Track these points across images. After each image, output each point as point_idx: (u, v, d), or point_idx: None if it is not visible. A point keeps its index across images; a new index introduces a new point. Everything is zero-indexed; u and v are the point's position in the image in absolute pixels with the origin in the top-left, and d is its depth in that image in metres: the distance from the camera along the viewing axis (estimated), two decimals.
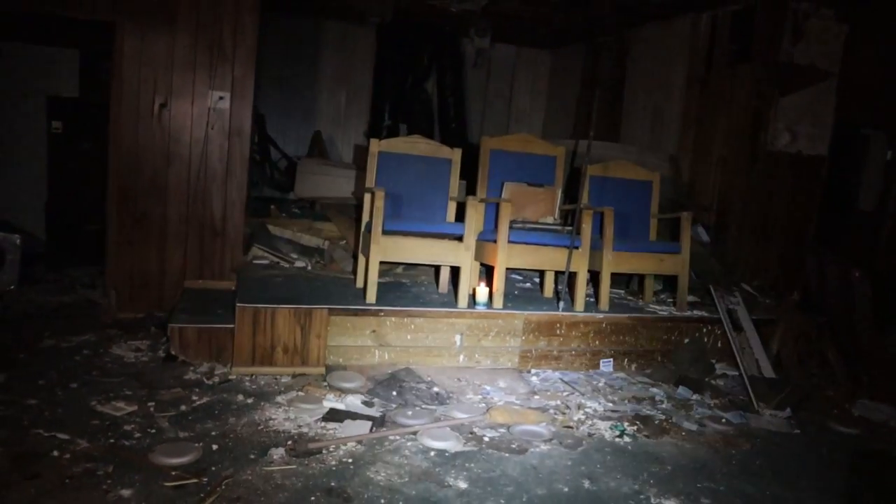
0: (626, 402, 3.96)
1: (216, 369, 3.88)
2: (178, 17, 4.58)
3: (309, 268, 5.05)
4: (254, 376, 3.81)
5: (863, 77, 6.10)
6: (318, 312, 3.90)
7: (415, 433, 3.23)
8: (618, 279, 5.24)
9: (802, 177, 6.10)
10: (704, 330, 4.71)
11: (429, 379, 3.93)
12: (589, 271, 4.52)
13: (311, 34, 8.77)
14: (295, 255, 5.18)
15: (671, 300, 5.12)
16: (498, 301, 4.21)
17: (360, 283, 4.41)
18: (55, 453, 2.78)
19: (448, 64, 8.96)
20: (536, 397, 3.89)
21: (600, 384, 4.21)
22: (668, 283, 5.19)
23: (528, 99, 9.85)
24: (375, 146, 4.45)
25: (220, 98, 4.70)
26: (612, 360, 4.48)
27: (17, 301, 5.10)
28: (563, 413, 3.70)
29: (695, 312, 4.77)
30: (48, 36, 6.30)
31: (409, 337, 4.05)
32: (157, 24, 4.56)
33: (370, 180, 4.41)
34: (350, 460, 2.92)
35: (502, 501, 2.68)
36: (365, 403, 3.56)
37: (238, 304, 3.82)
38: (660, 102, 7.14)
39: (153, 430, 3.08)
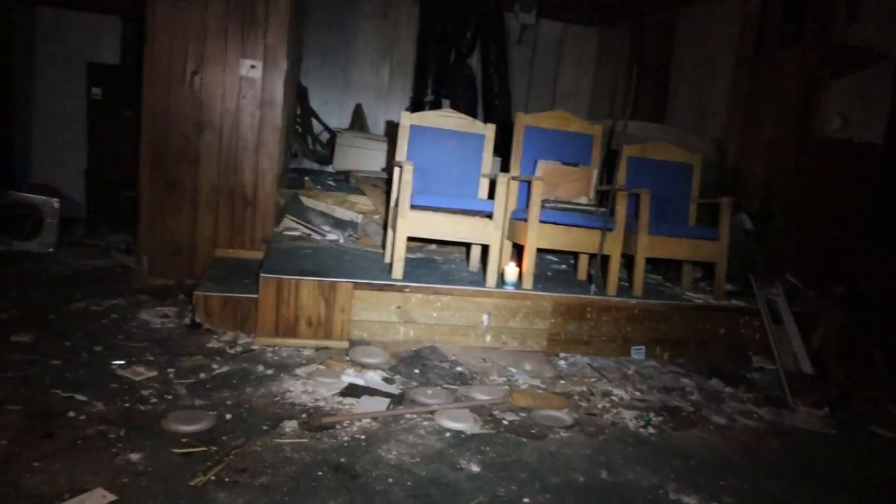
0: (655, 391, 3.83)
1: (239, 339, 3.87)
2: None
3: (341, 241, 5.00)
4: (276, 347, 3.79)
5: None
6: (343, 286, 3.85)
7: (432, 413, 3.16)
8: (657, 265, 5.11)
9: (853, 165, 5.83)
10: (742, 321, 4.53)
11: (453, 358, 3.86)
12: (624, 255, 4.39)
13: (354, 5, 8.69)
14: (327, 228, 5.14)
15: (709, 288, 4.96)
16: (527, 282, 4.11)
17: (388, 259, 4.35)
18: (71, 414, 2.79)
19: (492, 39, 8.78)
20: (562, 382, 3.79)
21: (630, 371, 4.09)
22: (709, 270, 5.02)
23: (573, 77, 9.63)
24: (407, 119, 4.36)
25: (252, 67, 4.66)
26: (643, 347, 4.35)
27: (55, 263, 5.19)
28: (588, 400, 3.59)
29: (733, 302, 4.60)
30: (92, 3, 6.34)
31: (434, 315, 3.98)
32: None
33: (400, 153, 4.33)
34: (363, 437, 2.87)
35: (514, 488, 2.60)
36: (385, 380, 3.50)
37: (262, 275, 3.79)
38: (706, 84, 6.89)
39: (170, 397, 3.07)
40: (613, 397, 3.67)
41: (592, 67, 9.59)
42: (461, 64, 8.82)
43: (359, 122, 8.22)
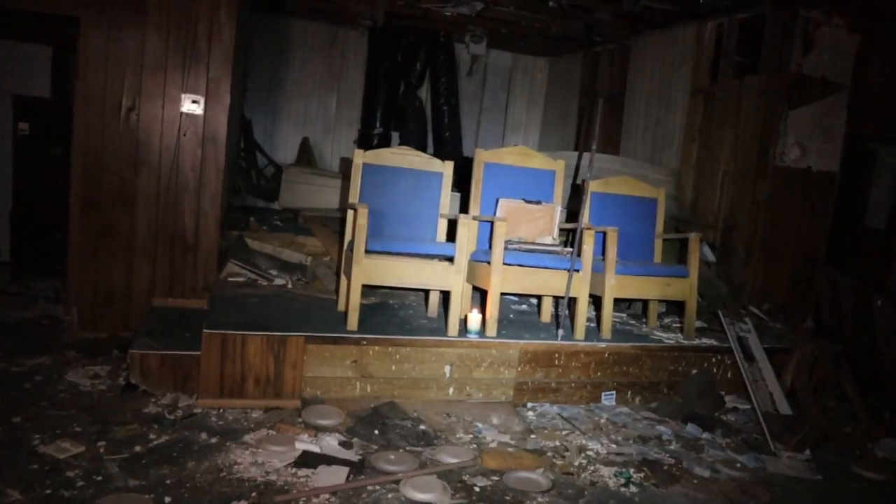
0: (632, 442, 3.61)
1: (180, 401, 3.51)
2: (149, 14, 4.24)
3: (289, 286, 4.69)
4: (221, 410, 3.44)
5: (874, 90, 5.81)
6: (294, 340, 3.54)
7: (397, 482, 2.87)
8: (619, 301, 4.92)
9: (813, 194, 5.80)
10: (714, 360, 4.37)
11: (415, 415, 3.57)
12: (590, 295, 4.18)
13: (301, 36, 8.44)
14: (274, 272, 4.82)
15: (677, 325, 4.80)
16: (491, 329, 3.86)
17: (341, 307, 4.06)
18: None
19: (442, 70, 8.63)
20: (533, 436, 3.54)
21: (602, 420, 3.86)
22: (673, 304, 4.86)
23: (524, 108, 9.54)
24: (360, 157, 4.10)
25: (194, 102, 4.35)
26: (614, 392, 4.13)
27: None
28: (563, 456, 3.35)
29: (703, 341, 4.44)
30: (20, 31, 5.93)
31: (393, 368, 3.70)
32: (125, 21, 4.22)
33: (353, 195, 4.06)
34: None
35: None
36: (343, 444, 3.19)
37: (205, 331, 3.46)
38: (661, 115, 6.83)
39: (99, 478, 2.71)
40: (589, 451, 3.43)
41: (542, 98, 9.52)
42: (411, 96, 8.64)
43: (305, 156, 7.94)
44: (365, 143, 8.31)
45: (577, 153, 5.65)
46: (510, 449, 3.36)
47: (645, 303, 4.86)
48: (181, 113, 4.34)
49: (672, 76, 6.69)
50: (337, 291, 4.32)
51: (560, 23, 7.32)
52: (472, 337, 3.82)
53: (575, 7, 6.69)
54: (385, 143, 8.30)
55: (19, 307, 5.00)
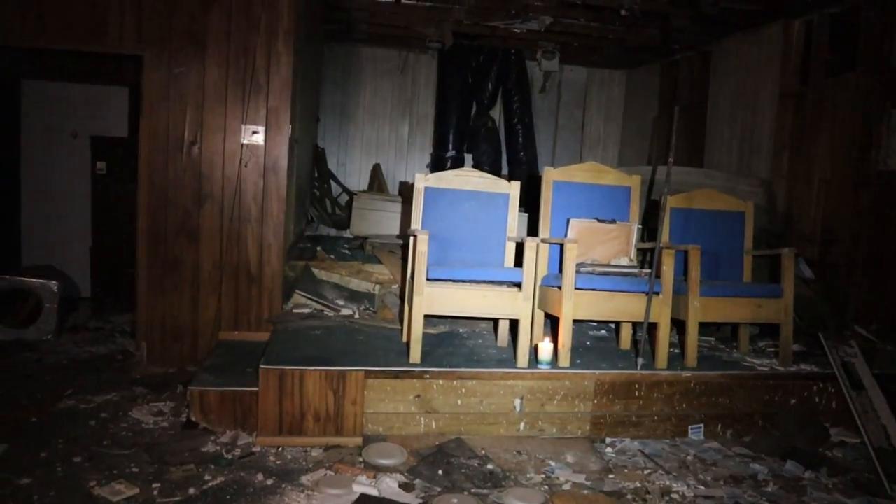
0: (722, 483, 3.25)
1: (239, 439, 3.40)
2: (208, 49, 4.23)
3: (356, 316, 4.56)
4: (280, 448, 3.31)
5: None
6: (354, 375, 3.38)
7: None
8: (706, 325, 4.55)
9: None
10: (815, 388, 3.95)
11: (482, 453, 3.34)
12: (673, 320, 3.86)
13: (371, 63, 8.44)
14: (341, 303, 4.71)
15: (772, 349, 4.39)
16: (564, 359, 3.59)
17: (406, 338, 3.89)
18: None
19: (515, 89, 8.43)
20: (611, 476, 3.24)
21: (689, 457, 3.52)
22: (768, 326, 4.44)
23: (601, 124, 9.21)
24: (421, 181, 3.93)
25: (254, 132, 4.31)
26: (702, 425, 3.78)
27: (52, 352, 4.81)
28: (644, 500, 3.04)
29: (802, 367, 4.02)
30: (97, 74, 6.12)
31: (459, 402, 3.48)
32: (185, 57, 4.23)
33: (415, 220, 3.89)
34: None
35: None
36: (403, 486, 2.99)
37: (261, 367, 3.34)
38: (748, 122, 6.40)
39: None
40: (674, 494, 3.11)
41: (620, 112, 9.17)
42: (483, 116, 8.47)
43: (377, 182, 7.87)
44: (438, 166, 8.18)
45: (652, 167, 5.31)
46: (585, 491, 3.07)
47: (735, 326, 4.48)
48: (242, 144, 4.30)
49: (758, 80, 6.27)
50: (402, 321, 4.15)
51: (634, 32, 7.01)
52: (544, 368, 3.57)
53: (649, 15, 6.39)
54: (458, 165, 8.15)
55: (96, 342, 5.07)
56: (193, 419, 3.50)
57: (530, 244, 3.57)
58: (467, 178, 4.05)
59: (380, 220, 6.44)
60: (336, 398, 3.37)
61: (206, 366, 3.89)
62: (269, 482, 2.99)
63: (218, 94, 4.26)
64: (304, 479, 3.03)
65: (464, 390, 3.47)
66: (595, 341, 4.38)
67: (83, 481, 2.92)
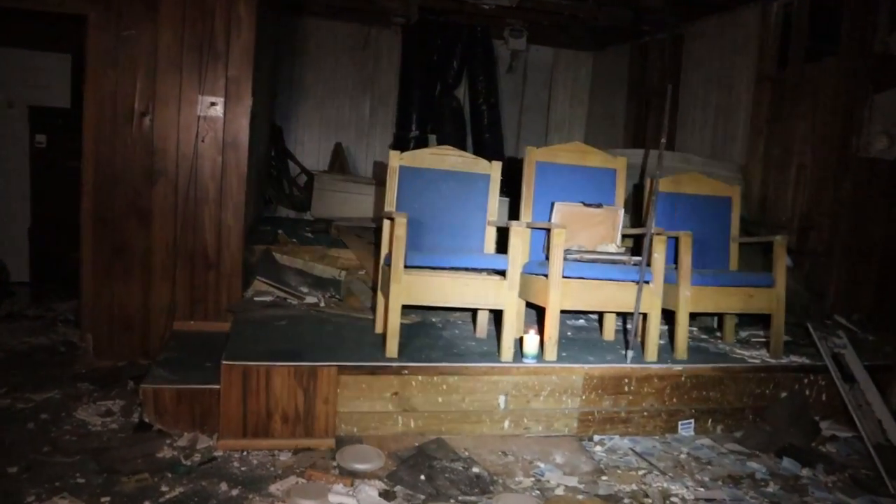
0: (721, 483, 3.07)
1: (199, 442, 3.08)
2: (161, 9, 3.84)
3: (321, 304, 4.25)
4: (245, 453, 3.00)
5: None
6: (326, 371, 3.08)
7: None
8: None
9: None
10: (806, 380, 3.81)
11: (466, 454, 3.09)
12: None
13: (331, 38, 8.05)
14: (305, 290, 4.39)
15: (758, 339, 4.24)
16: (551, 352, 3.36)
17: (379, 328, 3.60)
18: None
19: (480, 68, 8.14)
20: (605, 478, 3.03)
21: (682, 455, 3.33)
22: (749, 315, 4.28)
23: (567, 106, 9.00)
24: (396, 160, 3.64)
25: (212, 104, 3.94)
26: (692, 421, 3.60)
27: None
28: None
29: (793, 359, 3.87)
30: (36, 39, 5.62)
31: (440, 399, 3.22)
32: (135, 18, 3.83)
33: (389, 202, 3.60)
34: None
35: None
36: (384, 495, 2.72)
37: (223, 362, 3.02)
38: (723, 106, 6.25)
39: None
40: (674, 498, 2.91)
41: (587, 94, 8.97)
42: (448, 96, 8.17)
43: (338, 162, 7.52)
44: (401, 147, 7.79)
45: (635, 151, 5.11)
46: (580, 496, 2.85)
47: (719, 315, 4.32)
48: (199, 117, 3.94)
49: (733, 64, 6.12)
50: (373, 309, 3.86)
51: (606, 12, 6.80)
52: (529, 362, 3.33)
53: None
54: (422, 146, 7.82)
55: (36, 332, 4.66)
56: (147, 420, 3.16)
57: (517, 229, 3.32)
58: (444, 157, 3.77)
59: (342, 202, 6.13)
60: (306, 396, 3.07)
61: (159, 360, 3.54)
62: (235, 492, 2.69)
63: (172, 60, 3.88)
64: (273, 487, 2.74)
65: (445, 387, 3.21)
66: (576, 331, 4.16)
67: (20, 496, 2.57)
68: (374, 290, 3.94)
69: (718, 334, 4.34)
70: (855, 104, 4.98)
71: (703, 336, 4.33)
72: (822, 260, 5.14)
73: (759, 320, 4.48)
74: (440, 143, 7.92)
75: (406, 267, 3.22)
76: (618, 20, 6.97)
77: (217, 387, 3.08)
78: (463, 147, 8.06)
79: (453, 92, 8.24)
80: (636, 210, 4.63)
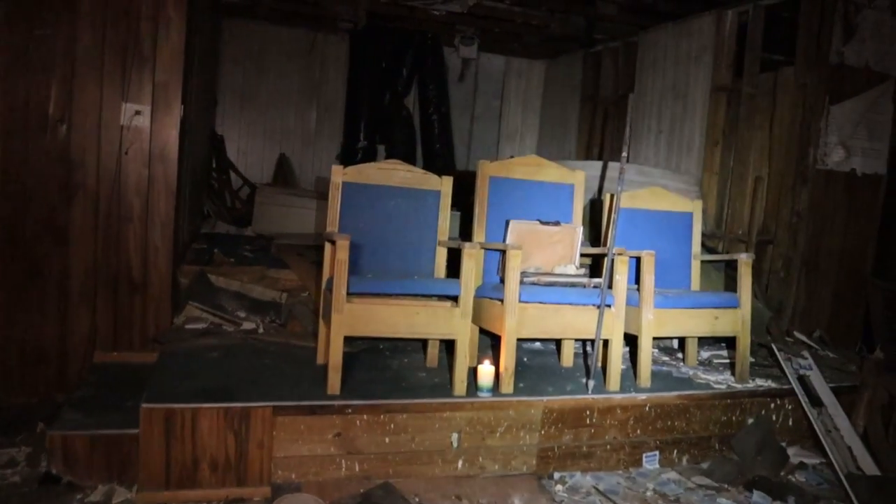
0: None
1: (115, 496, 2.74)
2: (80, 8, 3.47)
3: (260, 330, 3.94)
4: None
5: None
6: (260, 412, 2.77)
7: None
8: None
9: (859, 200, 5.11)
10: (772, 405, 3.64)
11: (416, 500, 2.81)
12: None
13: (276, 44, 7.71)
14: (243, 314, 4.07)
15: (720, 361, 4.07)
16: (507, 384, 3.11)
17: (321, 359, 3.31)
18: None
19: (431, 76, 7.92)
20: None
21: (649, 493, 3.11)
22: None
23: (519, 115, 8.83)
24: (339, 175, 3.34)
25: (137, 112, 3.59)
26: (657, 453, 3.39)
27: None
28: None
29: (759, 383, 3.70)
30: None
31: (387, 440, 2.93)
32: (50, 15, 3.45)
33: (332, 221, 3.30)
34: None
35: None
36: None
37: (143, 405, 2.69)
38: (678, 116, 6.13)
39: None
40: None
41: (539, 103, 8.81)
42: (397, 105, 7.92)
43: (283, 174, 7.18)
44: (348, 157, 7.58)
45: (592, 163, 4.92)
46: None
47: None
48: (122, 126, 3.58)
49: (688, 74, 6.00)
50: (316, 337, 3.55)
51: (559, 19, 6.64)
52: (484, 395, 3.07)
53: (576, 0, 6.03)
54: (370, 157, 7.58)
55: None
56: (54, 472, 2.80)
57: (469, 251, 3.06)
58: (392, 172, 3.49)
59: (286, 217, 5.80)
60: (238, 441, 2.76)
61: (73, 399, 3.18)
62: None
63: (92, 64, 3.52)
64: None
65: (392, 426, 2.93)
66: (532, 357, 3.92)
67: None
68: (318, 315, 3.64)
69: (680, 355, 4.16)
70: (812, 115, 4.87)
71: (665, 358, 4.14)
72: (780, 275, 5.02)
73: (721, 338, 4.33)
74: (389, 154, 7.69)
75: (350, 295, 2.93)
76: (571, 28, 6.82)
77: (137, 431, 2.74)
78: (413, 157, 7.83)
79: (403, 100, 8.00)
80: (592, 225, 4.43)
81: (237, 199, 6.94)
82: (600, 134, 7.34)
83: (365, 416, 2.89)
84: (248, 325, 3.95)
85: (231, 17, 7.21)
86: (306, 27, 7.54)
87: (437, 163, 7.79)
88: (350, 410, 2.87)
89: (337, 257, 2.88)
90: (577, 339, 3.83)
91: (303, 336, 3.86)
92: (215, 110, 7.35)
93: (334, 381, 2.92)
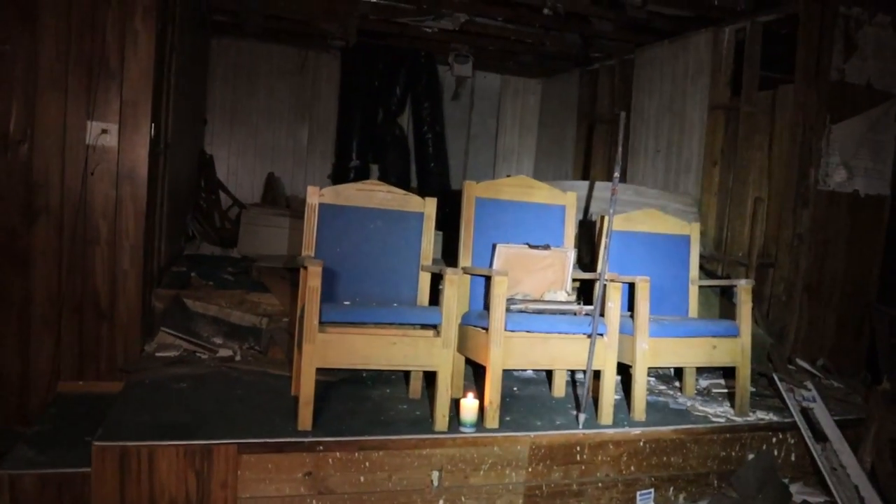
0: None
1: None
2: (41, 20, 3.32)
3: (237, 357, 3.75)
4: None
5: None
6: (223, 450, 2.58)
7: None
8: None
9: (862, 222, 4.93)
10: (774, 440, 3.44)
11: None
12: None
13: (266, 62, 7.60)
14: (219, 341, 3.88)
15: (719, 391, 3.88)
16: (492, 419, 2.91)
17: (296, 390, 3.11)
18: None
19: (425, 95, 7.78)
20: None
21: None
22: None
23: (516, 134, 8.69)
24: (315, 196, 3.17)
25: (104, 131, 3.43)
26: (652, 490, 3.18)
27: None
28: None
29: (759, 416, 3.50)
30: None
31: (362, 479, 2.73)
32: (9, 29, 3.30)
33: (307, 245, 3.12)
34: None
35: None
36: None
37: (95, 443, 2.49)
38: (675, 135, 5.97)
39: None
40: None
41: (536, 123, 8.67)
42: (390, 124, 7.78)
43: (271, 194, 7.02)
44: (341, 177, 7.44)
45: (585, 182, 4.75)
46: None
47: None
48: (87, 146, 3.42)
49: (685, 92, 5.85)
50: (293, 365, 3.36)
51: (554, 37, 6.50)
52: (468, 431, 2.87)
53: (572, 17, 5.88)
54: (363, 176, 7.42)
55: None
56: None
57: (451, 277, 2.88)
58: (372, 194, 3.31)
59: (272, 238, 5.64)
60: (199, 481, 2.56)
61: (29, 435, 2.98)
62: None
63: (55, 80, 3.36)
64: None
65: (368, 464, 2.73)
66: (522, 386, 3.73)
67: None
68: (294, 347, 3.45)
69: (677, 384, 3.96)
70: (812, 134, 4.70)
71: (661, 386, 3.95)
72: (782, 299, 4.83)
73: (717, 368, 4.14)
74: (382, 173, 7.54)
75: (322, 324, 2.74)
76: (566, 46, 6.69)
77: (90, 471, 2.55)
78: (407, 177, 7.69)
79: (396, 119, 7.87)
80: (591, 245, 4.25)
81: (227, 220, 6.78)
82: (599, 153, 7.19)
83: (338, 454, 2.69)
84: (224, 352, 3.76)
85: (220, 35, 7.09)
86: (297, 45, 7.43)
87: (432, 182, 7.65)
88: (321, 448, 2.67)
89: (309, 284, 2.70)
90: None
91: (281, 365, 3.67)
92: (204, 129, 7.22)
93: (305, 416, 2.72)
